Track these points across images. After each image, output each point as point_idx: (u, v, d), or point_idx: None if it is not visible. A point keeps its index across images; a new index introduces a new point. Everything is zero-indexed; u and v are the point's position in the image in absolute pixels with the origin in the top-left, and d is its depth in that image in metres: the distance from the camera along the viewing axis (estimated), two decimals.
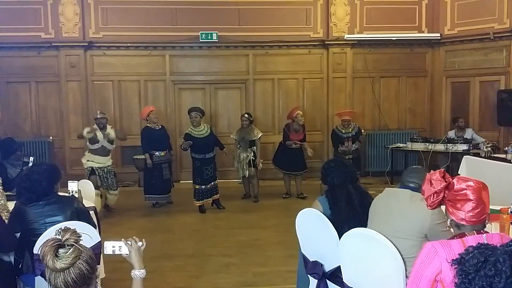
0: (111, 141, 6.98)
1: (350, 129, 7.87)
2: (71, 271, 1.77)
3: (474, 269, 1.57)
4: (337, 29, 9.37)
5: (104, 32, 9.12)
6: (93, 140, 6.85)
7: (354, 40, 9.39)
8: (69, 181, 4.02)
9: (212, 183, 7.19)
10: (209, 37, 9.12)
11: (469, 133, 8.20)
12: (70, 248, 1.78)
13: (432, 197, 2.07)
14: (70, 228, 1.87)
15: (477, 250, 1.60)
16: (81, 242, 1.89)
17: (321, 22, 9.45)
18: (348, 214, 3.13)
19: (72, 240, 1.80)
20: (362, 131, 8.35)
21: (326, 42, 9.40)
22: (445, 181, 2.05)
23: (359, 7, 9.47)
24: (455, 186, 2.03)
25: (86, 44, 9.02)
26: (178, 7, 9.17)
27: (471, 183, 2.02)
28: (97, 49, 9.14)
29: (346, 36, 9.33)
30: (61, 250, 1.77)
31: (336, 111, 9.42)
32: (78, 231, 1.88)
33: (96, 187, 6.58)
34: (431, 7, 9.56)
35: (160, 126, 7.43)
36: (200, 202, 7.15)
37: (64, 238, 1.80)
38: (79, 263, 1.79)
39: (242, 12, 9.29)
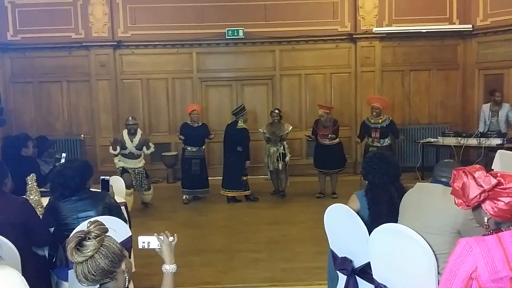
0: (139, 148, 7.06)
1: (380, 120, 7.40)
2: (88, 264, 1.82)
3: None
4: (365, 22, 9.22)
5: (132, 31, 9.26)
6: (123, 147, 6.98)
7: (382, 33, 9.23)
8: (101, 177, 4.10)
9: None
10: (236, 34, 9.13)
11: (505, 109, 7.95)
12: (90, 242, 1.81)
13: (479, 197, 1.96)
14: (98, 221, 1.91)
15: None
16: (110, 237, 1.92)
17: (349, 15, 9.32)
18: (389, 219, 2.97)
19: (94, 234, 1.83)
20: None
21: (354, 36, 9.27)
22: (496, 179, 1.95)
23: (388, 0, 9.30)
24: (504, 185, 1.93)
25: (115, 43, 9.17)
26: (204, 4, 9.21)
27: None
28: (126, 48, 9.29)
29: (375, 29, 9.18)
30: (82, 243, 1.82)
31: (364, 106, 9.28)
32: (106, 225, 1.91)
33: (130, 186, 6.73)
34: None
35: (200, 124, 7.61)
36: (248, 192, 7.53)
37: (87, 231, 1.84)
38: (97, 257, 1.82)
39: (268, 8, 9.26)
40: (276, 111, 7.75)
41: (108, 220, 2.87)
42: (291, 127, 7.81)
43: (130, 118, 7.17)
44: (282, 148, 7.59)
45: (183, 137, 7.45)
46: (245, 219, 6.66)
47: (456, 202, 2.07)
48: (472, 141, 7.69)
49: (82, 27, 9.19)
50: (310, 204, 7.25)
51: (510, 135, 7.76)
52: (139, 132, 7.13)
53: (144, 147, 7.07)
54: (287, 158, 7.66)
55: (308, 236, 5.60)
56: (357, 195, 3.28)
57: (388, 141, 7.46)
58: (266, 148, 7.73)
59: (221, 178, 7.62)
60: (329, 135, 7.51)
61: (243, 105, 7.73)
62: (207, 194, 7.70)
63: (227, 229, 6.20)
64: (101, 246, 1.84)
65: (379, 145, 7.35)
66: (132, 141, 6.99)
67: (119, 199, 4.15)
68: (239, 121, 7.43)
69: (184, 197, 7.53)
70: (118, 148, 6.90)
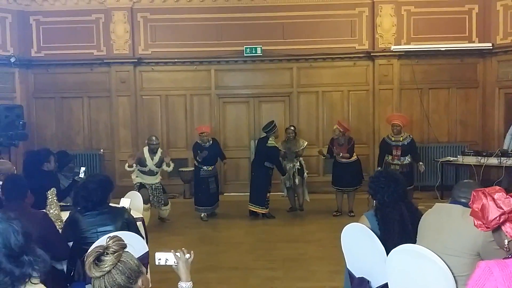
0: (159, 165, 7.15)
1: (401, 138, 7.34)
2: (105, 279, 1.83)
3: None
4: (383, 40, 9.23)
5: (152, 49, 9.43)
6: (142, 164, 7.07)
7: (401, 51, 9.21)
8: (122, 199, 4.16)
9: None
10: (254, 51, 9.22)
11: None
12: (108, 257, 1.83)
13: (498, 219, 1.93)
14: (116, 237, 1.93)
15: None
16: (128, 252, 1.93)
17: (367, 33, 9.34)
18: (401, 237, 2.97)
19: (112, 250, 1.85)
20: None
21: (372, 54, 9.27)
22: None
23: (406, 18, 9.29)
24: None
25: (136, 60, 9.34)
26: (223, 22, 9.35)
27: None
28: (146, 65, 9.44)
29: (393, 47, 9.17)
30: (101, 258, 1.84)
31: (382, 124, 9.24)
32: (124, 241, 1.93)
33: (147, 201, 6.81)
34: (482, 16, 9.24)
35: (211, 142, 7.60)
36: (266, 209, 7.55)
37: (106, 246, 1.86)
38: (114, 272, 1.83)
39: (286, 26, 9.34)
40: (292, 127, 7.81)
41: (126, 236, 2.90)
42: (306, 143, 7.85)
43: (154, 138, 7.21)
44: (298, 164, 7.61)
45: (202, 156, 7.44)
46: (261, 236, 6.63)
47: (476, 224, 2.04)
48: (493, 161, 7.56)
49: (103, 44, 9.40)
50: (327, 222, 7.19)
51: None
52: (159, 150, 7.24)
53: (164, 164, 7.13)
54: (305, 174, 7.68)
55: (325, 254, 5.55)
56: (367, 216, 3.24)
57: (409, 159, 7.35)
58: (282, 165, 7.70)
59: (240, 193, 7.73)
60: (341, 154, 7.47)
61: (274, 122, 7.67)
62: (217, 208, 7.77)
63: (243, 246, 6.18)
64: (118, 261, 1.85)
65: (400, 163, 7.28)
66: (152, 159, 7.10)
67: (136, 214, 4.18)
68: (270, 138, 7.48)
69: (202, 215, 7.54)
70: (134, 165, 6.95)
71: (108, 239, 1.92)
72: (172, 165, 7.23)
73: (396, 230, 3.05)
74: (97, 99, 9.55)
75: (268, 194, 7.51)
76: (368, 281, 3.07)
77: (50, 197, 4.02)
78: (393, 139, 7.39)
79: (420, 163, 7.46)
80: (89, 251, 1.92)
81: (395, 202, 3.13)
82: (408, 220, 3.04)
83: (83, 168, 5.52)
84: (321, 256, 5.56)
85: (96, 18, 9.38)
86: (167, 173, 8.39)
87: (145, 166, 7.06)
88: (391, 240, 2.96)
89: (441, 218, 2.81)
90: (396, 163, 7.28)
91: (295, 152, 7.62)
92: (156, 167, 7.13)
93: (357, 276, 3.16)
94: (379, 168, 7.35)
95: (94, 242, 3.06)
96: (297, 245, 6.12)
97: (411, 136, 7.55)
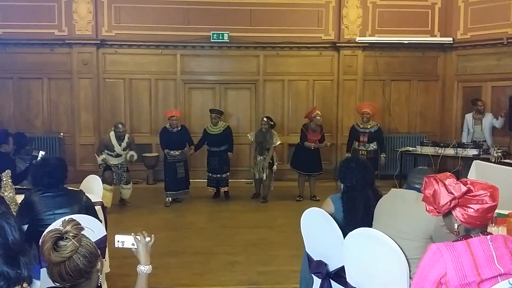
0: (126, 149, 7.14)
1: (369, 126, 7.69)
2: (66, 265, 1.77)
3: None
4: (348, 31, 9.34)
5: (116, 31, 9.19)
6: (110, 149, 7.05)
7: (365, 43, 9.36)
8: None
9: (219, 175, 7.71)
10: (221, 37, 9.15)
11: (488, 117, 8.15)
12: (68, 241, 1.78)
13: (449, 204, 2.00)
14: (73, 220, 1.88)
15: None
16: (86, 236, 1.90)
17: (333, 24, 9.43)
18: (363, 220, 3.06)
19: (72, 234, 1.80)
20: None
21: (337, 44, 9.37)
22: (466, 187, 1.99)
23: (371, 10, 9.43)
24: (474, 192, 1.97)
25: (99, 42, 9.09)
26: (190, 7, 9.21)
27: (489, 189, 1.96)
28: (109, 47, 9.21)
29: (358, 38, 9.30)
30: (59, 243, 1.78)
31: (346, 114, 9.42)
32: (82, 225, 1.89)
33: (111, 182, 6.90)
34: (444, 11, 9.49)
35: (179, 128, 7.53)
36: (209, 187, 7.88)
37: (64, 230, 1.81)
38: (75, 257, 1.78)
39: (253, 13, 9.31)
40: (265, 119, 7.69)
41: (83, 219, 2.85)
42: (279, 142, 7.81)
43: (120, 125, 7.11)
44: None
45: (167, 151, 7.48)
46: (224, 221, 6.65)
47: (427, 209, 2.11)
48: (450, 151, 7.83)
49: (65, 25, 9.08)
50: (290, 208, 7.26)
51: (496, 143, 7.90)
52: (126, 135, 7.19)
53: (129, 155, 7.15)
54: (275, 167, 7.68)
55: (286, 240, 5.63)
56: (332, 198, 3.34)
57: (374, 146, 7.71)
58: (253, 155, 7.75)
59: (204, 180, 7.97)
60: (313, 146, 7.70)
61: (219, 111, 8.05)
62: (187, 195, 7.71)
63: (205, 232, 6.18)
64: (79, 246, 1.81)
65: (365, 149, 7.63)
66: (120, 145, 7.08)
67: (95, 198, 4.11)
68: None
69: (167, 199, 7.49)
70: (103, 153, 7.00)
71: (64, 223, 1.87)
72: (135, 157, 7.26)
73: (360, 213, 3.15)
74: (58, 81, 9.25)
75: (208, 174, 7.86)
76: (325, 264, 3.15)
77: (4, 179, 3.90)
78: (361, 126, 7.75)
79: (383, 155, 7.78)
80: (45, 235, 1.86)
81: (362, 187, 3.23)
82: (373, 204, 3.14)
83: (42, 152, 5.37)
84: (282, 241, 5.64)
85: None
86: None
87: (113, 151, 7.06)
88: (354, 222, 3.05)
89: (396, 203, 2.90)
90: (361, 148, 7.63)
91: (266, 147, 7.61)
92: (123, 150, 7.13)
93: (315, 259, 3.23)
94: (348, 154, 7.66)
95: (50, 224, 2.99)
96: (259, 230, 6.18)
97: (378, 125, 7.93)
